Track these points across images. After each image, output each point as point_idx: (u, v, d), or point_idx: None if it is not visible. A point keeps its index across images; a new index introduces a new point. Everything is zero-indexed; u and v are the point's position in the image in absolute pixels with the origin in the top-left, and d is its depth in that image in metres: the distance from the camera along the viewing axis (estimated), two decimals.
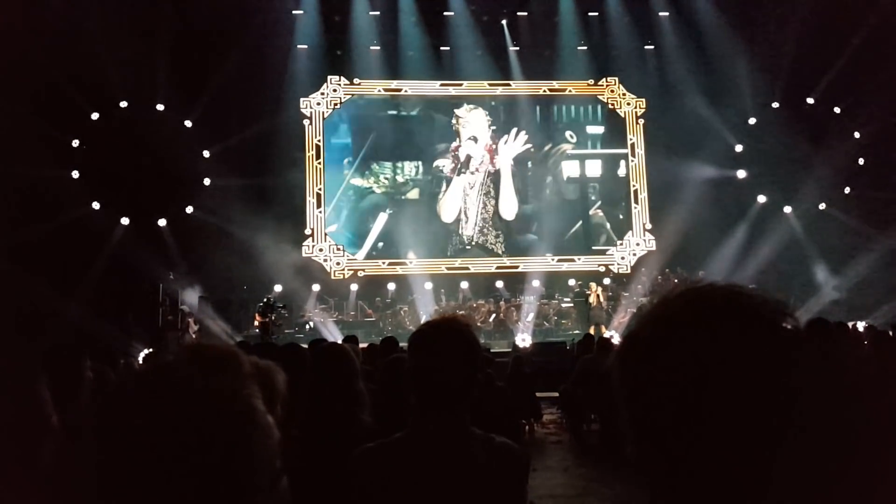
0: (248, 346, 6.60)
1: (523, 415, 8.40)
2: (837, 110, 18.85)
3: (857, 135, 18.51)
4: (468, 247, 19.08)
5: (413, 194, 19.30)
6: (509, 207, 19.29)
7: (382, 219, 18.89)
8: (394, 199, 19.17)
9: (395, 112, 19.65)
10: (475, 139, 19.45)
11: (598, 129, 20.29)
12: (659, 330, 0.79)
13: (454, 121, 19.53)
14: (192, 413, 0.81)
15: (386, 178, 19.32)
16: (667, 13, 19.22)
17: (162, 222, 16.88)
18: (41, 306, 11.92)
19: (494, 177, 19.39)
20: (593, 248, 19.52)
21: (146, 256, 15.16)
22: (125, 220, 16.55)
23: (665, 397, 0.75)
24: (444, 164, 19.33)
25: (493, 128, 19.65)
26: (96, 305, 13.71)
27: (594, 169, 19.98)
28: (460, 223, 19.14)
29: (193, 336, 14.95)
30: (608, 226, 19.76)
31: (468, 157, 19.23)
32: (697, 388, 0.72)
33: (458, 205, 19.16)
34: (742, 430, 0.70)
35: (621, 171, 19.96)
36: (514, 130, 19.48)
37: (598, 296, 16.37)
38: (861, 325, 12.53)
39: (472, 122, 19.57)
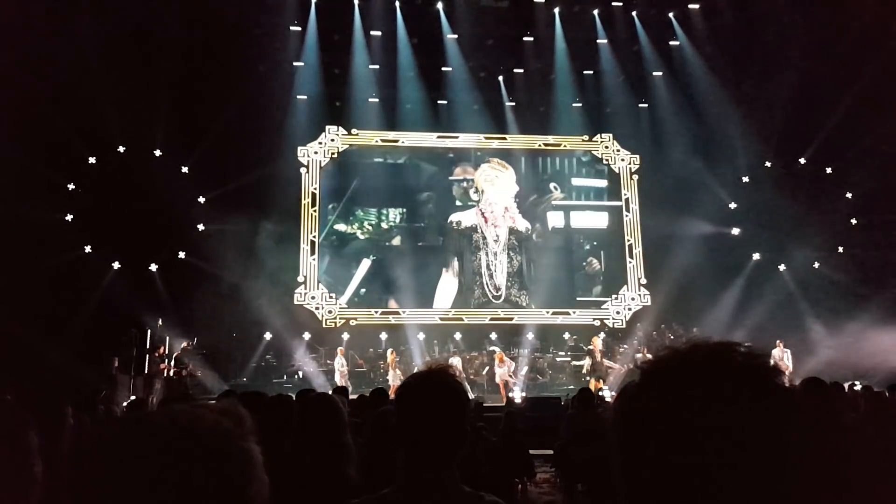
0: (235, 396, 6.45)
1: (516, 472, 8.19)
2: (829, 171, 19.12)
3: (848, 195, 18.75)
4: (494, 300, 18.95)
5: (396, 241, 19.27)
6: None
7: (366, 265, 18.82)
8: (378, 246, 19.16)
9: (381, 159, 19.79)
10: (497, 204, 19.59)
11: (585, 182, 20.48)
12: (654, 382, 0.79)
13: (479, 178, 19.61)
14: (187, 459, 0.79)
15: (370, 225, 19.34)
16: (660, 73, 19.69)
17: (153, 267, 16.79)
18: (28, 349, 11.72)
19: (518, 234, 19.46)
20: (578, 298, 19.43)
21: (136, 301, 15.02)
22: (116, 265, 16.46)
23: (657, 450, 0.74)
24: (465, 219, 19.34)
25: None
26: (83, 350, 13.49)
27: (579, 220, 20.10)
28: (484, 276, 19.07)
29: (183, 384, 14.60)
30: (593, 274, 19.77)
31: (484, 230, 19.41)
32: (687, 441, 0.72)
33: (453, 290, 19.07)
34: (731, 484, 0.69)
35: (602, 223, 20.07)
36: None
37: (600, 351, 16.19)
38: (858, 385, 12.41)
39: (505, 181, 19.75)
